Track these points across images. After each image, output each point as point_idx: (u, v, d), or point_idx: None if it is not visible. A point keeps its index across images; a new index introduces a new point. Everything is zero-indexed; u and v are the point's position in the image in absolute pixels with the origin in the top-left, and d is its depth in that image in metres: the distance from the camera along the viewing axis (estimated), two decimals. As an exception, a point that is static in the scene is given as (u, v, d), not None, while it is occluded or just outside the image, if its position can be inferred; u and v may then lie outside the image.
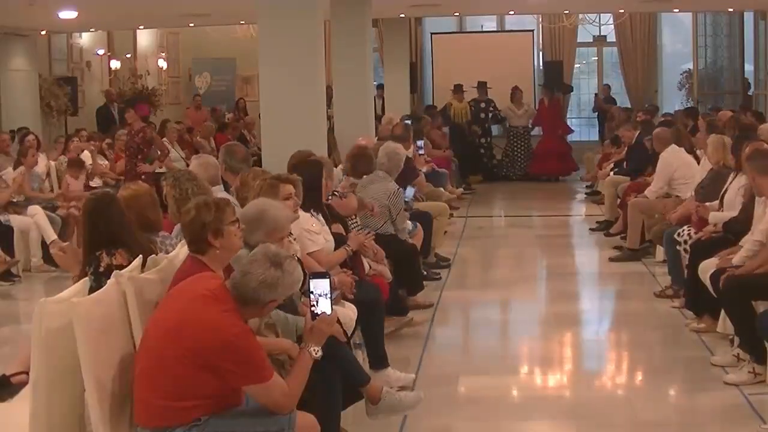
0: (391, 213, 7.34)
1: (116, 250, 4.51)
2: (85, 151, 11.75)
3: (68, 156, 11.22)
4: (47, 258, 9.48)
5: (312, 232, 5.61)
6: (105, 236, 4.56)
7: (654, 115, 14.39)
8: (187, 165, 7.95)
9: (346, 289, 5.37)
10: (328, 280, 3.81)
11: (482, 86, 16.38)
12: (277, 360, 3.89)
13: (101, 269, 4.46)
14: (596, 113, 18.03)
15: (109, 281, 3.78)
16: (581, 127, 18.44)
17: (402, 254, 7.12)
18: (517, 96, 16.47)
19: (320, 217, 5.92)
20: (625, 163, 11.59)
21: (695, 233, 7.12)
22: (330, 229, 5.97)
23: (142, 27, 17.54)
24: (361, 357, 5.41)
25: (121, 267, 4.40)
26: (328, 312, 3.78)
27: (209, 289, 3.50)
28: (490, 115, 16.55)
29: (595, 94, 18.44)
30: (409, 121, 13.20)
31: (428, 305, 7.44)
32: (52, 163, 10.98)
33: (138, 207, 4.99)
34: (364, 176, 7.59)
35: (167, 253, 4.65)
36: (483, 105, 16.44)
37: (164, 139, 13.11)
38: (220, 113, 17.49)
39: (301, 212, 5.48)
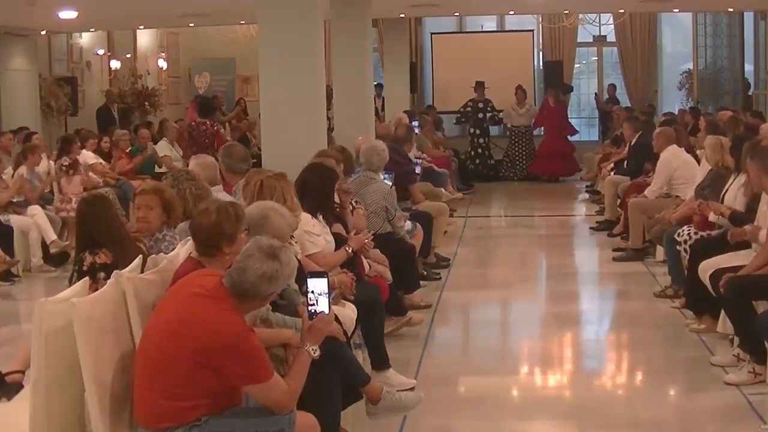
0: (388, 212, 7.30)
1: (100, 250, 4.57)
2: (89, 152, 11.74)
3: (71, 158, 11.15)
4: (47, 258, 9.50)
5: (312, 234, 5.60)
6: (90, 236, 4.64)
7: (652, 115, 14.39)
8: (187, 165, 7.96)
9: (346, 290, 5.37)
10: (326, 279, 3.82)
11: (480, 86, 16.38)
12: (276, 356, 3.89)
13: (84, 268, 4.54)
14: (598, 113, 18.07)
15: (109, 281, 3.78)
16: (581, 127, 18.43)
17: (400, 254, 7.12)
18: (519, 95, 16.48)
19: (321, 218, 5.91)
20: (625, 162, 11.58)
21: (696, 233, 7.13)
22: (330, 229, 5.97)
23: (142, 27, 17.53)
24: (361, 357, 5.41)
25: (105, 266, 4.46)
26: (326, 311, 3.78)
27: (207, 287, 3.50)
28: (488, 115, 16.56)
29: (595, 93, 18.44)
30: (416, 122, 13.18)
31: (425, 306, 7.44)
32: (52, 163, 10.97)
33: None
34: (351, 179, 7.52)
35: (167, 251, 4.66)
36: (481, 105, 16.45)
37: (164, 138, 13.14)
38: (222, 102, 17.55)
39: (303, 214, 5.47)
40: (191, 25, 16.61)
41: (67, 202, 10.07)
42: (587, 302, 8.33)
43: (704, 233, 7.03)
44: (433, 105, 17.65)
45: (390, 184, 7.81)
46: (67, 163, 10.45)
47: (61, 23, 13.57)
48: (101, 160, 11.99)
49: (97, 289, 3.86)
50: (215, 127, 11.86)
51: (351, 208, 6.70)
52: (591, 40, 19.02)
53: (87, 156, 11.58)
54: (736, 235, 6.12)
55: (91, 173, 11.15)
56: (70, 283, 4.37)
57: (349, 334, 5.00)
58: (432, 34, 18.68)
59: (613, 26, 18.08)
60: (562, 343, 6.83)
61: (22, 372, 4.13)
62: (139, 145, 13.00)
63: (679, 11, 17.44)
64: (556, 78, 17.40)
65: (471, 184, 15.52)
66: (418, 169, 10.42)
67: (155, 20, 16.07)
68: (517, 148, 16.66)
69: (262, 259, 3.47)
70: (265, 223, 4.38)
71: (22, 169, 9.91)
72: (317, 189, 5.89)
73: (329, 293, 3.82)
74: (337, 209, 6.35)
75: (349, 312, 5.22)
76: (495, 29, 19.18)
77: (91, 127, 14.75)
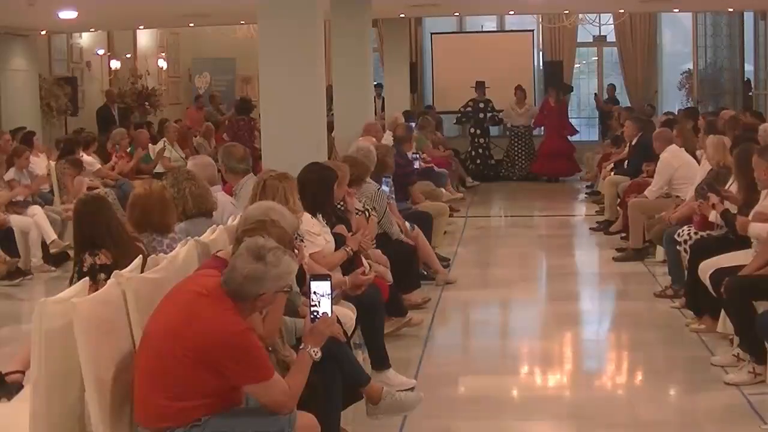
0: (376, 213, 7.27)
1: (99, 251, 4.58)
2: (88, 157, 11.72)
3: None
4: (47, 258, 9.49)
5: (312, 234, 5.60)
6: (89, 237, 4.64)
7: (651, 115, 14.39)
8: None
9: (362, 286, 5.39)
10: (328, 281, 3.82)
11: (480, 86, 16.39)
12: (282, 362, 3.88)
13: (84, 269, 4.54)
14: (598, 113, 18.08)
15: (109, 281, 3.78)
16: (581, 127, 18.46)
17: (400, 255, 7.11)
18: (519, 95, 16.48)
19: (321, 218, 5.91)
20: (625, 162, 11.58)
21: (696, 233, 7.13)
22: (333, 229, 5.96)
23: (142, 27, 17.55)
24: (361, 357, 5.41)
25: (105, 266, 4.45)
26: (329, 313, 3.78)
27: (208, 287, 3.50)
28: (488, 115, 16.57)
29: (595, 93, 18.45)
30: (413, 123, 13.19)
31: (424, 302, 7.44)
32: (52, 163, 10.96)
33: (147, 207, 5.01)
34: None
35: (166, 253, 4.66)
36: (481, 105, 16.45)
37: (164, 138, 13.14)
38: (219, 101, 17.62)
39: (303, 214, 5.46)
40: (191, 25, 16.63)
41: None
42: (587, 302, 8.33)
43: (704, 233, 7.02)
44: (433, 105, 17.65)
45: (388, 189, 7.79)
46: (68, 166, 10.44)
47: (61, 23, 13.57)
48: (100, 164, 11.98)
49: (97, 290, 3.86)
50: (252, 123, 13.86)
51: (367, 215, 6.69)
52: (591, 40, 19.05)
53: (87, 161, 11.55)
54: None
55: (87, 179, 11.11)
56: (71, 284, 4.36)
57: (349, 334, 5.00)
58: (432, 34, 18.70)
59: (613, 26, 18.09)
60: (562, 343, 6.83)
61: (22, 372, 4.12)
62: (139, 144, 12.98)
63: (679, 11, 17.45)
64: (556, 78, 17.42)
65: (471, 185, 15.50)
66: (417, 164, 10.41)
67: (155, 20, 16.09)
68: (517, 148, 16.65)
69: (248, 259, 3.47)
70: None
71: (11, 172, 9.86)
72: (315, 189, 5.88)
73: (331, 295, 3.82)
74: (341, 208, 6.35)
75: (348, 312, 5.22)
76: (495, 29, 19.21)
77: (91, 128, 14.77)
